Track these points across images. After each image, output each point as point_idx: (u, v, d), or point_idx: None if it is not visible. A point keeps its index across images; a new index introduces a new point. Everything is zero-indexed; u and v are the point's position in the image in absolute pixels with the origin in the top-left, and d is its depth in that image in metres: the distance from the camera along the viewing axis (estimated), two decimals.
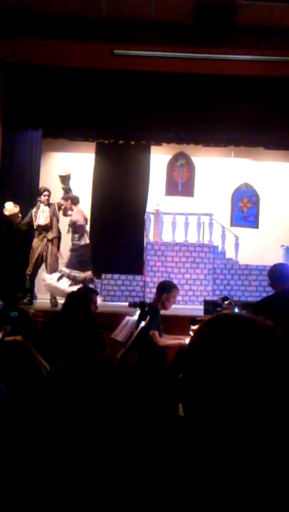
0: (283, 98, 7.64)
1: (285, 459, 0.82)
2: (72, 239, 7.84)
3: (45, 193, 7.60)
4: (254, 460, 0.80)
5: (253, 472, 0.80)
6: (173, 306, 4.90)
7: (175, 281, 7.30)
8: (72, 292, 4.96)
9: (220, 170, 10.47)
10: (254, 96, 7.61)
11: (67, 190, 7.92)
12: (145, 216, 9.27)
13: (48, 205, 7.59)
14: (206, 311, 6.72)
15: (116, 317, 5.00)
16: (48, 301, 7.47)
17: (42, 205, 7.55)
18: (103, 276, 8.90)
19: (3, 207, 7.37)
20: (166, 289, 4.70)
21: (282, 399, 0.80)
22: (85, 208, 8.93)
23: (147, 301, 5.83)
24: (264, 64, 6.98)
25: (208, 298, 8.12)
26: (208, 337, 0.87)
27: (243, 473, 0.80)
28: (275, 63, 6.93)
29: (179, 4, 6.19)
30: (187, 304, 8.55)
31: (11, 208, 7.35)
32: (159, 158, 10.05)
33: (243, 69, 7.15)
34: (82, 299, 4.48)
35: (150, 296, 8.51)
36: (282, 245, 9.55)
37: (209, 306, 6.70)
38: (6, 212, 7.36)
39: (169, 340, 4.56)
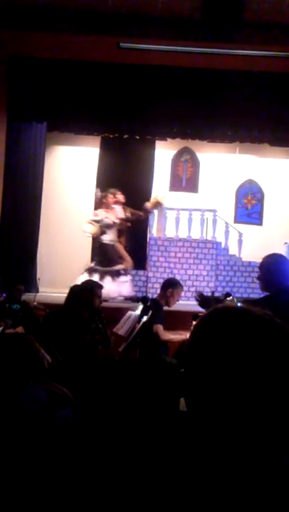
0: None
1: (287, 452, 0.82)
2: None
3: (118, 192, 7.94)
4: (257, 454, 0.80)
5: (256, 467, 0.80)
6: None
7: (178, 277, 7.31)
8: (76, 286, 4.88)
9: (224, 166, 10.41)
10: (261, 92, 7.57)
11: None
12: None
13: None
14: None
15: (118, 311, 5.00)
16: (51, 294, 7.45)
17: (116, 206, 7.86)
18: None
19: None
20: (172, 285, 4.72)
21: (283, 389, 0.80)
22: (88, 202, 8.92)
23: (149, 296, 5.83)
24: (271, 60, 6.94)
25: (208, 294, 8.08)
26: (207, 331, 0.86)
27: (246, 467, 0.79)
28: (283, 59, 6.88)
29: None
30: (189, 300, 8.54)
31: (91, 229, 7.60)
32: (164, 153, 10.01)
33: (250, 64, 7.12)
34: (86, 294, 4.41)
35: (152, 291, 8.50)
36: (286, 242, 9.50)
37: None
38: (88, 235, 7.66)
39: (171, 334, 4.57)
